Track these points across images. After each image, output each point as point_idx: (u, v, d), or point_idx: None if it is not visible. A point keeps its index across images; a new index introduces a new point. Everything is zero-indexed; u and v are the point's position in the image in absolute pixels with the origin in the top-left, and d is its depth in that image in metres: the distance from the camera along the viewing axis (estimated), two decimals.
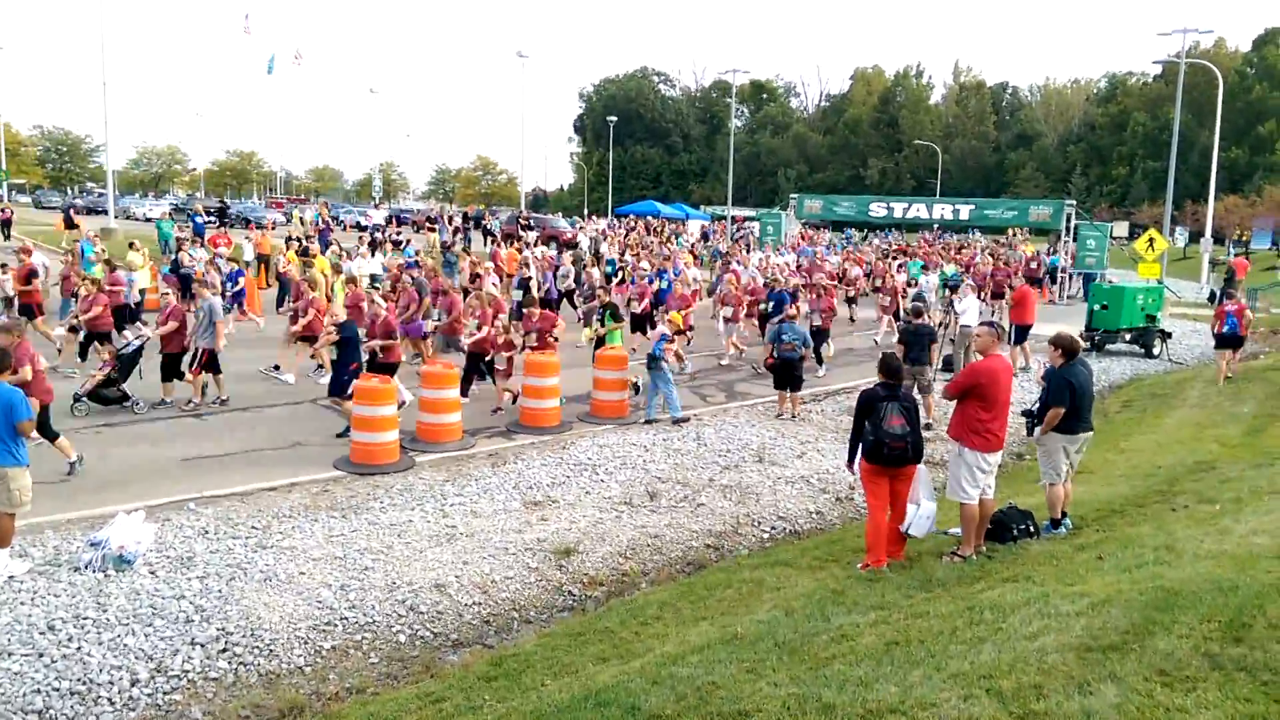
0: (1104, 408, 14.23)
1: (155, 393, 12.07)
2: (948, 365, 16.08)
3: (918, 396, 10.40)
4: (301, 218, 40.71)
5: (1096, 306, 19.71)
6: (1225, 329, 15.79)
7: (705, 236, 48.33)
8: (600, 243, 34.20)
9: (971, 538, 7.07)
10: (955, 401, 7.17)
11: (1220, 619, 4.40)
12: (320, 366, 14.12)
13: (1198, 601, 4.68)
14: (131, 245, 20.63)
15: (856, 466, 7.24)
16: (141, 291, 18.37)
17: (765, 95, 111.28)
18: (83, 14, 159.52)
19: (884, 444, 6.74)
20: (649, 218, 55.56)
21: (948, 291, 21.41)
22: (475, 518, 8.67)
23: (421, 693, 5.62)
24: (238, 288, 19.02)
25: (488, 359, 12.79)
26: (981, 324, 7.86)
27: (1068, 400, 7.25)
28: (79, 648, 5.96)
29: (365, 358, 11.45)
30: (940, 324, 16.46)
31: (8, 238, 33.42)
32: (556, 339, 13.20)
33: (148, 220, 44.41)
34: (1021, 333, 17.23)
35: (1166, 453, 11.04)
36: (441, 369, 11.11)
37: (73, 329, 13.90)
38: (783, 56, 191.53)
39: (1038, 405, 7.66)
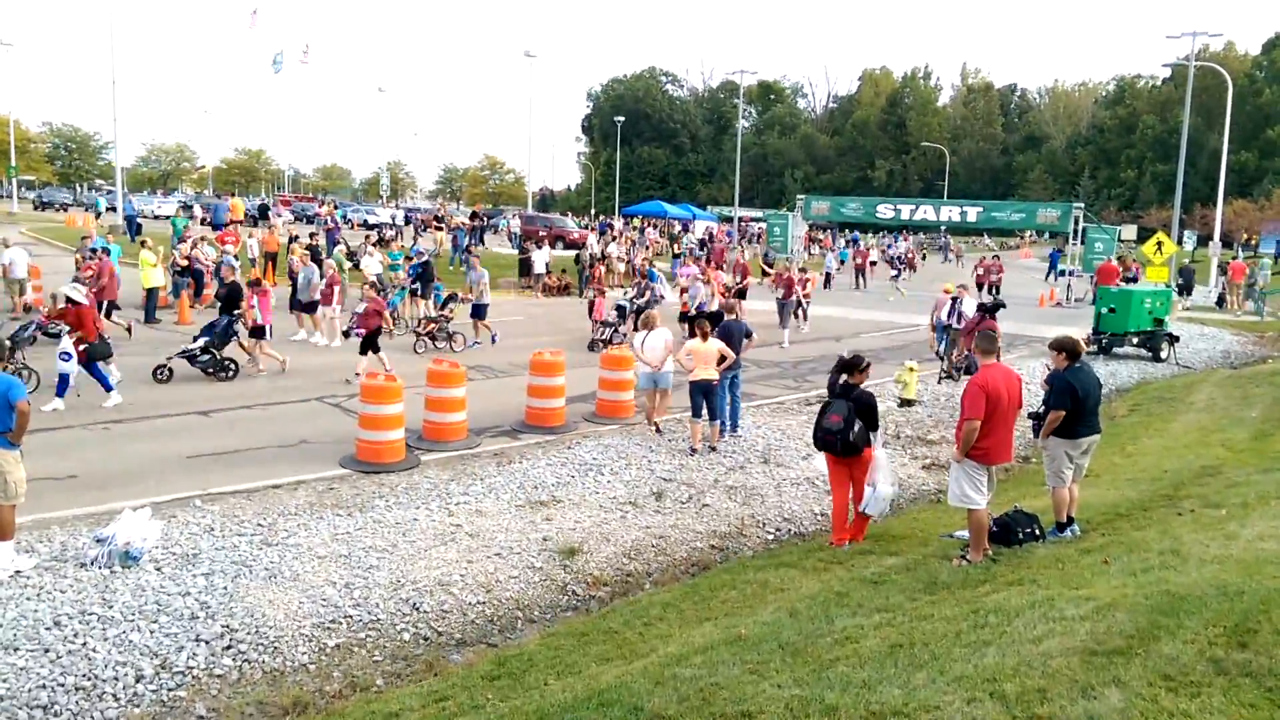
0: (1110, 411, 14.18)
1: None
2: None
3: None
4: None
5: (1104, 310, 19.63)
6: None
7: (710, 237, 48.13)
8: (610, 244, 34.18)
9: (982, 544, 7.05)
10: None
11: (1226, 624, 4.38)
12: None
13: (1203, 606, 4.66)
14: (144, 243, 20.71)
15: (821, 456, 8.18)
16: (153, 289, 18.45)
17: (773, 96, 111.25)
18: (92, 11, 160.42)
19: (817, 436, 7.85)
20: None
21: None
22: (480, 517, 8.68)
23: (425, 691, 5.62)
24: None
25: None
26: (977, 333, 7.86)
27: (1069, 404, 7.22)
28: (84, 643, 5.99)
29: None
30: (946, 326, 16.46)
31: None
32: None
33: (155, 218, 44.50)
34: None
35: (1173, 457, 11.00)
36: (448, 368, 11.11)
37: None
38: (790, 57, 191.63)
39: (1042, 408, 7.64)
